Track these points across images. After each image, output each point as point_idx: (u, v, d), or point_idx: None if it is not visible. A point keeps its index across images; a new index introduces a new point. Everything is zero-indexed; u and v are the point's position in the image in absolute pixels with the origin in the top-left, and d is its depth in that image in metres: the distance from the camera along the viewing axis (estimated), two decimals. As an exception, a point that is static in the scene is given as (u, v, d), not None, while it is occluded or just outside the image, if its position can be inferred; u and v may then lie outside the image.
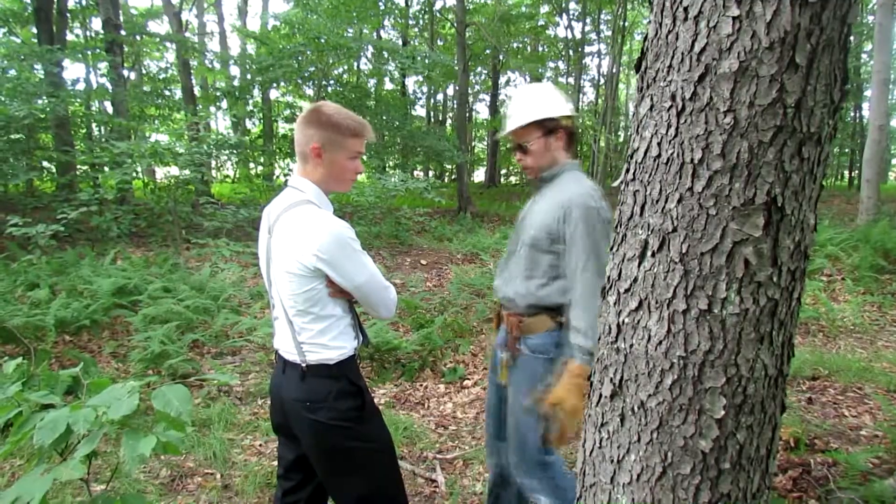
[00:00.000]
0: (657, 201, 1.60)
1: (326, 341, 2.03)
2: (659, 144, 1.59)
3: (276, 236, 2.03)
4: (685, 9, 1.52)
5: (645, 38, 1.68)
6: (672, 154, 1.56)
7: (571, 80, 25.97)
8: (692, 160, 1.52)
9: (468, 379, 5.23)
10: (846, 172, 29.28)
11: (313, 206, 2.01)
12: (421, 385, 5.16)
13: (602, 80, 25.44)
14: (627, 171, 1.72)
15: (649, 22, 1.67)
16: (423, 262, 10.79)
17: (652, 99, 1.62)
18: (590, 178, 2.43)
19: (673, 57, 1.55)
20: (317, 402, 2.00)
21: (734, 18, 1.43)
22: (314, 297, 1.99)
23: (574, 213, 2.24)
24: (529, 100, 2.42)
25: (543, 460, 2.44)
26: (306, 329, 2.03)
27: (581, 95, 25.79)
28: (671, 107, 1.55)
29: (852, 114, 25.94)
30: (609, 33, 23.03)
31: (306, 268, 1.94)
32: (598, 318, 1.99)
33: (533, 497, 2.49)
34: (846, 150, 26.92)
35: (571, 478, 2.45)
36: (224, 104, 16.95)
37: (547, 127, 2.37)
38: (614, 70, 21.62)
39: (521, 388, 2.41)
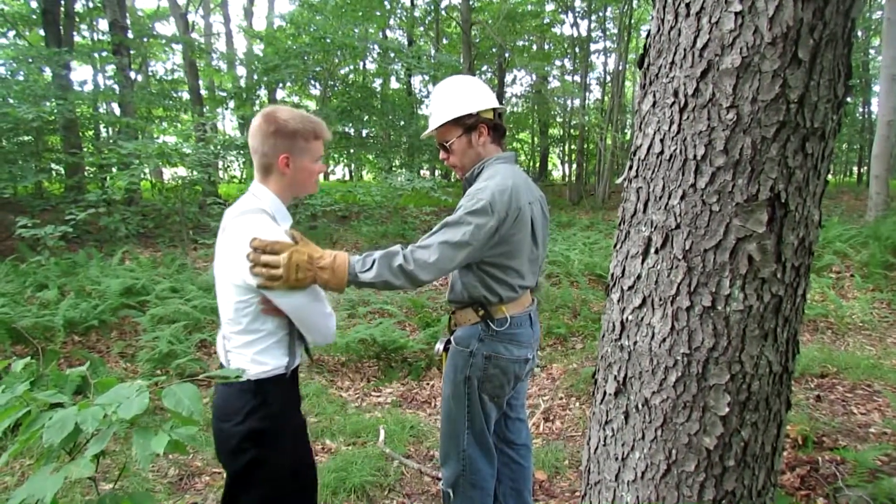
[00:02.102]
0: (660, 198, 1.60)
1: (250, 355, 1.95)
2: (662, 141, 1.59)
3: (223, 240, 1.98)
4: (687, 5, 1.52)
5: (647, 35, 1.68)
6: (675, 150, 1.56)
7: (577, 78, 25.89)
8: (695, 156, 1.52)
9: (475, 377, 5.23)
10: (855, 168, 29.10)
11: (265, 217, 1.96)
12: (427, 384, 5.16)
13: (608, 78, 25.37)
14: (630, 167, 1.72)
15: (651, 18, 1.67)
16: (430, 261, 10.75)
17: (654, 95, 1.61)
18: (506, 168, 2.29)
19: (675, 53, 1.55)
20: (227, 413, 1.94)
21: (736, 14, 1.43)
22: (246, 309, 1.92)
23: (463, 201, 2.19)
24: (446, 97, 2.33)
25: (466, 456, 2.43)
26: (233, 338, 1.96)
27: (587, 93, 25.71)
28: (674, 103, 1.55)
29: (861, 109, 25.77)
30: (615, 30, 22.97)
31: (243, 280, 1.88)
32: (406, 267, 2.01)
33: (445, 489, 2.51)
34: (855, 146, 26.74)
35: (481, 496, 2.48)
36: (231, 105, 17.02)
37: (465, 124, 2.29)
38: (620, 67, 21.52)
39: (447, 381, 2.44)
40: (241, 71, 20.40)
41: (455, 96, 2.31)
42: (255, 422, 1.91)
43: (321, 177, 2.17)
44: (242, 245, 1.87)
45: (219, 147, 11.24)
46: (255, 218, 1.94)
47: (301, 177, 2.03)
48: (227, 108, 18.20)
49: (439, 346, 2.52)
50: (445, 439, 2.48)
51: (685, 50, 1.53)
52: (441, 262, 2.07)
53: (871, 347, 5.67)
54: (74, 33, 16.09)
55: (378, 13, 19.52)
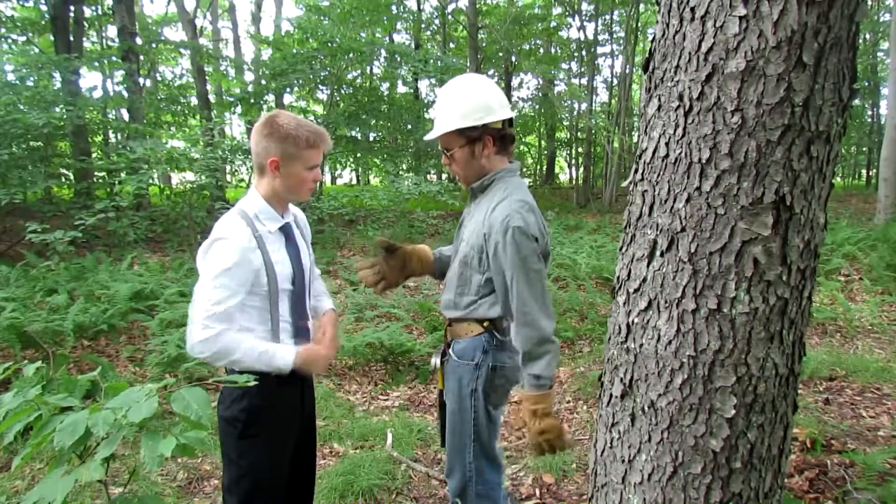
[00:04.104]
0: (666, 201, 1.60)
1: None
2: (667, 144, 1.60)
3: None
4: (692, 9, 1.52)
5: (653, 39, 1.68)
6: (680, 154, 1.56)
7: (584, 81, 25.90)
8: (700, 160, 1.53)
9: (482, 381, 5.23)
10: (863, 171, 28.95)
11: (237, 218, 2.02)
12: (435, 387, 5.17)
13: (615, 81, 25.37)
14: (636, 171, 1.73)
15: (657, 22, 1.68)
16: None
17: (660, 99, 1.62)
18: (522, 184, 2.24)
19: (680, 57, 1.56)
20: (222, 398, 2.10)
21: (741, 18, 1.44)
22: None
23: (498, 234, 2.06)
24: (452, 102, 2.17)
25: (472, 468, 2.36)
26: None
27: (594, 96, 25.71)
28: (679, 107, 1.56)
29: (869, 112, 25.66)
30: (622, 34, 22.97)
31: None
32: (538, 339, 2.03)
33: (453, 499, 2.44)
34: (863, 149, 26.61)
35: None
36: (238, 110, 17.09)
37: (469, 136, 2.14)
38: (627, 71, 21.53)
39: (451, 395, 2.36)
40: (248, 76, 20.52)
41: (462, 103, 2.16)
42: (235, 410, 2.05)
43: (319, 184, 2.20)
44: (211, 241, 1.99)
45: (227, 152, 11.29)
46: (226, 218, 2.04)
47: (291, 182, 2.06)
48: (234, 113, 18.26)
49: (436, 361, 2.45)
50: (452, 452, 2.42)
51: (690, 54, 1.53)
52: (548, 310, 2.08)
53: (881, 350, 5.64)
54: (84, 39, 16.20)
55: (385, 19, 19.58)
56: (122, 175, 9.58)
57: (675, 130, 1.57)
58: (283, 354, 2.01)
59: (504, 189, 2.18)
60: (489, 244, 2.10)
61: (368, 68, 23.80)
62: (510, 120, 2.27)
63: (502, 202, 2.12)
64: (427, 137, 2.26)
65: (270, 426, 2.10)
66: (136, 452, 3.69)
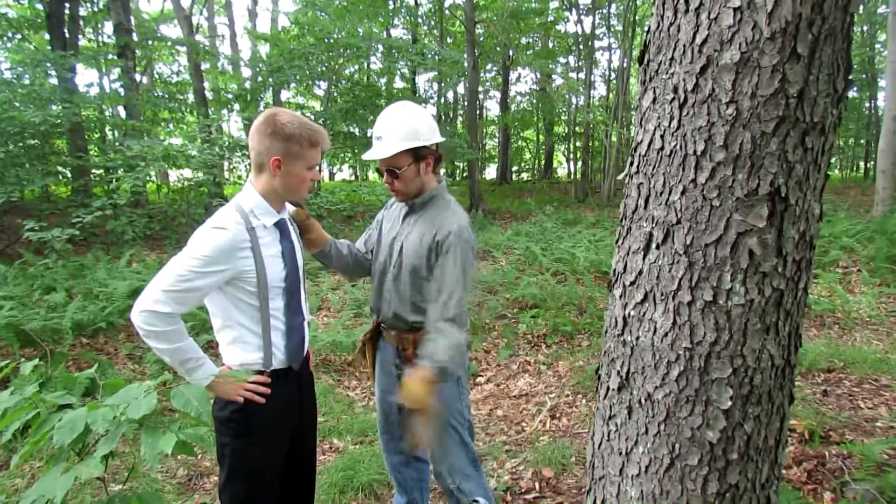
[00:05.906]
0: (661, 194, 1.60)
1: (223, 345, 2.08)
2: (662, 137, 1.60)
3: None
4: (686, 1, 1.52)
5: (647, 31, 1.68)
6: (675, 146, 1.56)
7: (582, 75, 25.85)
8: (695, 152, 1.53)
9: (481, 376, 5.24)
10: (861, 163, 28.95)
11: (233, 211, 2.00)
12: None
13: (613, 75, 25.32)
14: (632, 164, 1.73)
15: (652, 14, 1.68)
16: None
17: (654, 91, 1.62)
18: (453, 199, 2.49)
19: (675, 49, 1.56)
20: (216, 399, 2.05)
21: (735, 9, 1.44)
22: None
23: (446, 244, 2.31)
24: (401, 125, 2.34)
25: (475, 459, 2.53)
26: (213, 324, 2.09)
27: (592, 90, 25.67)
28: (673, 99, 1.56)
29: (867, 104, 25.66)
30: (619, 27, 22.93)
31: None
32: (451, 342, 2.19)
33: (472, 499, 2.50)
34: (861, 141, 26.62)
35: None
36: (236, 107, 17.05)
37: (418, 154, 2.35)
38: (625, 64, 21.46)
39: (450, 384, 2.44)
40: (245, 72, 20.45)
41: (410, 126, 2.33)
42: (229, 411, 2.02)
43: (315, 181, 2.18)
44: (206, 226, 1.95)
45: (224, 148, 11.27)
46: (222, 211, 2.02)
47: (290, 181, 2.05)
48: (231, 111, 18.22)
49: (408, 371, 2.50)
50: (461, 450, 2.49)
51: (684, 46, 1.53)
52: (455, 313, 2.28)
53: (879, 342, 5.65)
54: (79, 37, 16.15)
55: (382, 14, 19.53)
56: (120, 172, 9.56)
57: (670, 123, 1.57)
58: (206, 373, 1.99)
59: (445, 204, 2.44)
60: (442, 248, 2.31)
61: (366, 63, 23.75)
62: (438, 146, 2.50)
63: (451, 214, 2.38)
64: (378, 156, 2.34)
65: (265, 427, 2.08)
66: (136, 450, 3.70)
